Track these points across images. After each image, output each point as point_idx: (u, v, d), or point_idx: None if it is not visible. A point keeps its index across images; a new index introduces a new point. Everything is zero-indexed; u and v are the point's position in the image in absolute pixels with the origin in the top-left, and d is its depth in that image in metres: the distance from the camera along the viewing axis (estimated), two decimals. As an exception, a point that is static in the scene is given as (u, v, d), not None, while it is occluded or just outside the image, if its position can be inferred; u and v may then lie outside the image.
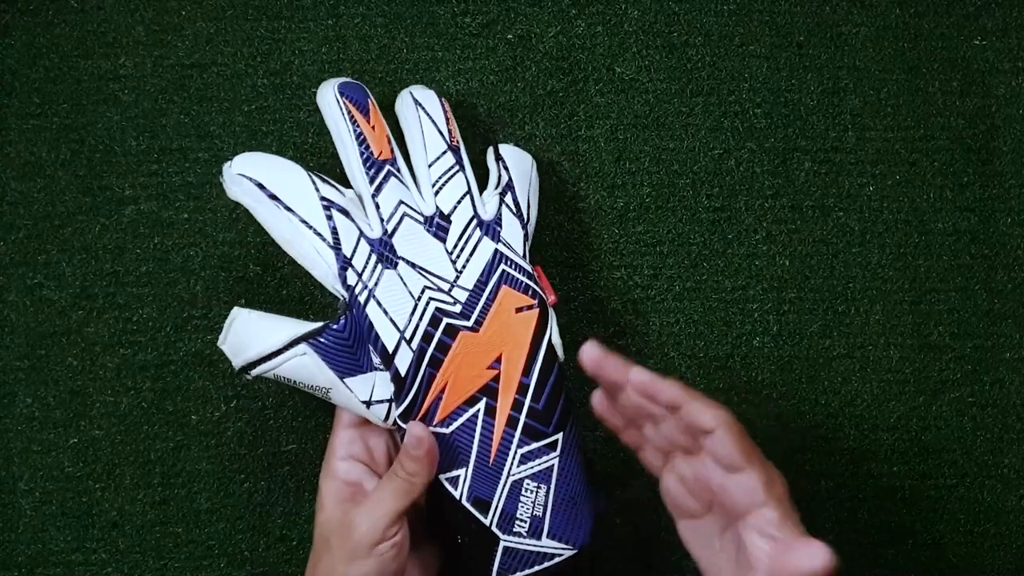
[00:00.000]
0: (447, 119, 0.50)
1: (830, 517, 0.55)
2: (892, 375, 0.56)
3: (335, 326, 0.45)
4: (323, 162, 0.54)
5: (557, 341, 0.48)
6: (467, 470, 0.46)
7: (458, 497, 0.46)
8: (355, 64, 0.55)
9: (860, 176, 0.57)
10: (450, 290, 0.47)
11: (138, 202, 0.54)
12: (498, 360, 0.46)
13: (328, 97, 0.47)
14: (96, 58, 0.55)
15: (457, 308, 0.46)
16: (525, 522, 0.46)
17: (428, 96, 0.50)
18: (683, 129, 0.57)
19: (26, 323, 0.53)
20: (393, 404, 0.45)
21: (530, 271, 0.48)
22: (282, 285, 0.54)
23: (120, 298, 0.54)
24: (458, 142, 0.49)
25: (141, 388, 0.54)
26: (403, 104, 0.50)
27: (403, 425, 0.45)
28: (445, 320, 0.46)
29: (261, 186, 0.45)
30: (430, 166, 0.48)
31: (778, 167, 0.57)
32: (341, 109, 0.47)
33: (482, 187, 0.50)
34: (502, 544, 0.46)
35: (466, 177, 0.49)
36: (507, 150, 0.52)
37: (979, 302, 0.57)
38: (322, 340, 0.44)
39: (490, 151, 0.52)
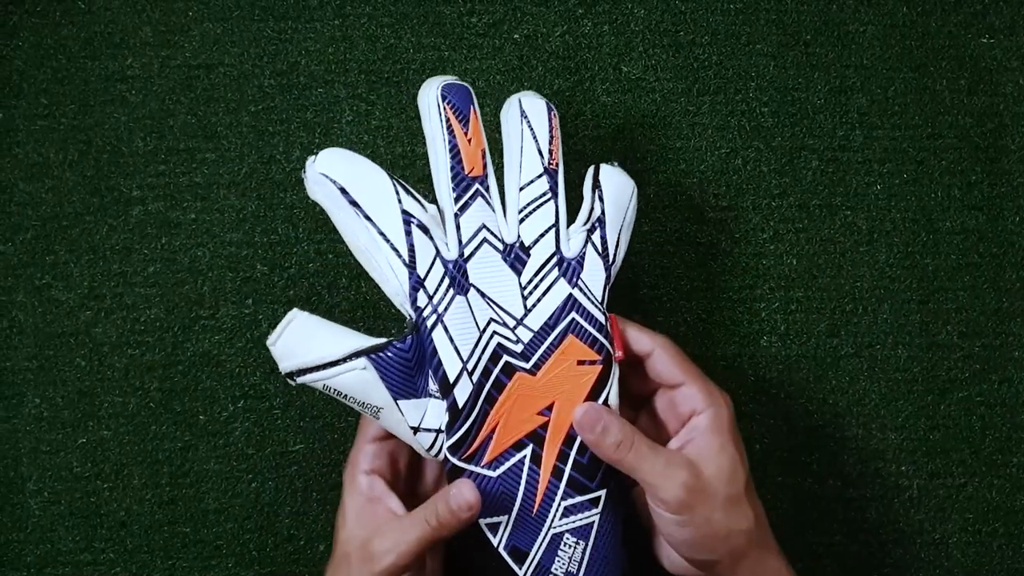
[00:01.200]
0: (551, 136, 0.47)
1: (838, 516, 0.55)
2: (900, 374, 0.56)
3: (400, 345, 0.43)
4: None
5: (615, 401, 0.46)
6: (509, 518, 0.44)
7: (496, 544, 0.44)
8: (362, 64, 0.55)
9: (867, 175, 0.57)
10: (515, 327, 0.45)
11: (145, 203, 0.54)
12: (549, 408, 0.45)
13: (429, 98, 0.45)
14: (103, 59, 0.55)
15: (519, 348, 0.45)
16: None
17: (537, 108, 0.47)
18: (690, 128, 0.56)
19: (34, 323, 0.54)
20: (443, 435, 0.44)
21: (602, 321, 0.46)
22: (289, 285, 0.54)
23: (128, 298, 0.54)
24: (557, 164, 0.47)
25: (149, 388, 0.54)
26: (509, 112, 0.47)
27: (451, 459, 0.44)
28: (505, 358, 0.44)
29: (344, 190, 0.43)
30: (522, 189, 0.46)
31: (785, 166, 0.57)
32: (440, 115, 0.45)
33: (573, 214, 0.47)
34: None
35: (556, 207, 0.46)
36: (609, 174, 0.48)
37: (987, 301, 0.56)
38: (384, 357, 0.43)
39: (589, 175, 0.48)
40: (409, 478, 0.48)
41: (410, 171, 0.55)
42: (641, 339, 0.47)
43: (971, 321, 0.56)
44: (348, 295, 0.54)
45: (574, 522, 0.45)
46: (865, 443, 0.56)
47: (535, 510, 0.44)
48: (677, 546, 0.44)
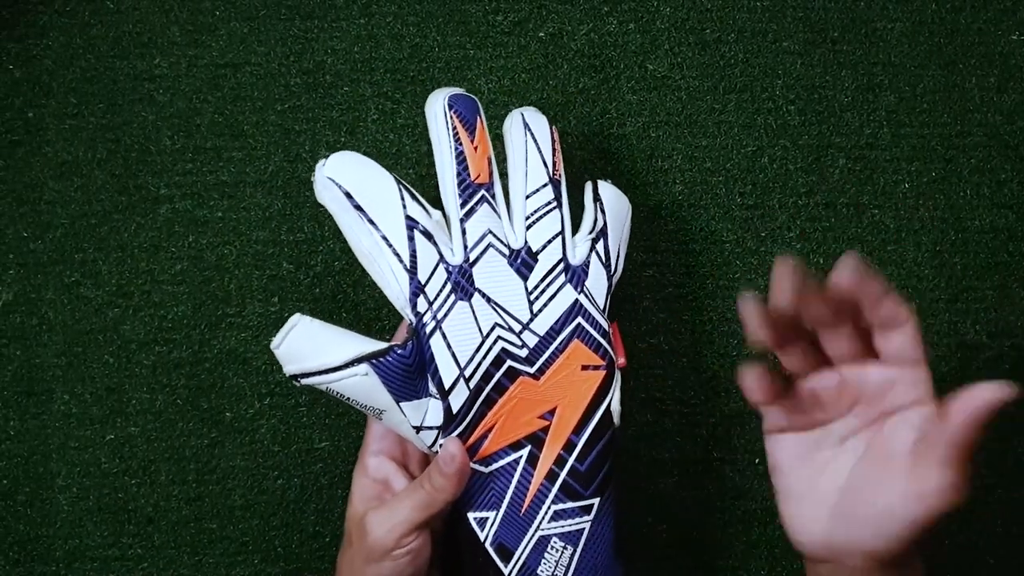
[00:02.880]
0: (554, 149, 0.48)
1: (865, 517, 0.55)
2: (928, 374, 0.55)
3: (401, 351, 0.43)
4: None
5: (616, 408, 0.46)
6: (497, 514, 0.45)
7: (482, 539, 0.45)
8: (387, 63, 0.56)
9: (895, 173, 0.56)
10: (521, 332, 0.45)
11: (173, 201, 0.55)
12: (551, 412, 0.45)
13: (436, 108, 0.46)
14: (132, 58, 0.55)
15: (523, 352, 0.45)
16: None
17: (539, 121, 0.48)
18: (716, 126, 0.56)
19: (63, 321, 0.54)
20: (441, 433, 0.44)
21: (606, 328, 0.47)
22: (315, 283, 0.55)
23: (155, 296, 0.54)
24: (560, 176, 0.47)
25: (176, 385, 0.54)
26: (512, 126, 0.48)
27: None
28: (509, 362, 0.45)
29: (349, 195, 0.44)
30: (528, 197, 0.46)
31: (812, 164, 0.56)
32: (447, 123, 0.45)
33: (576, 225, 0.48)
34: None
35: (562, 215, 0.47)
36: (607, 191, 0.49)
37: (1017, 300, 0.56)
38: (385, 362, 0.43)
39: (588, 188, 0.49)
40: (420, 460, 0.48)
41: (434, 170, 0.55)
42: (901, 307, 0.39)
43: (1000, 320, 0.56)
44: (374, 293, 0.54)
45: (563, 527, 0.45)
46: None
47: (524, 509, 0.45)
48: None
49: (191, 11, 0.56)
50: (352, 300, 0.55)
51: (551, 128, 0.48)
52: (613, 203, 0.49)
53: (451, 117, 0.45)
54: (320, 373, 0.43)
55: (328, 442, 0.54)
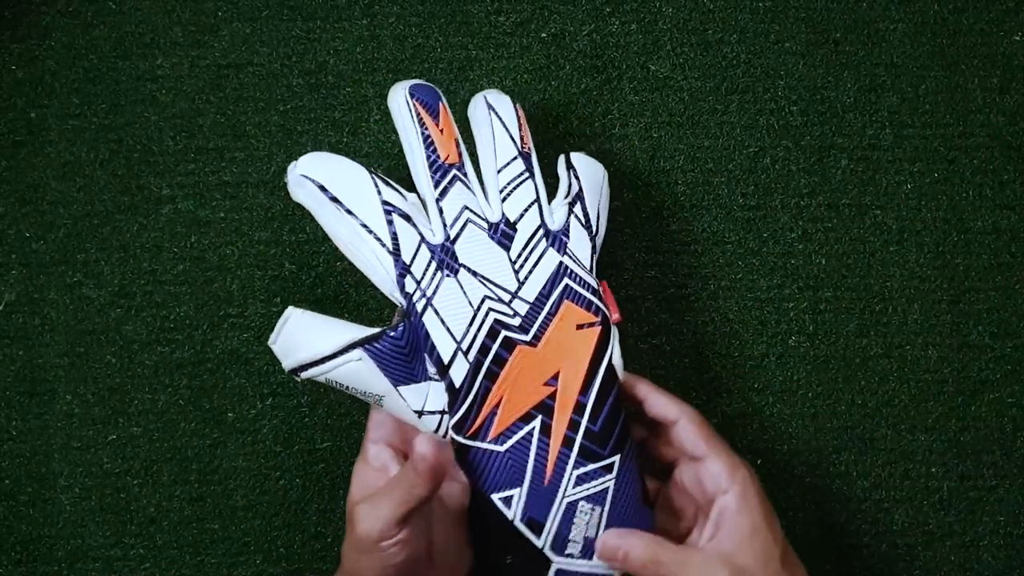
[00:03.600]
0: (520, 125, 0.48)
1: (867, 518, 0.55)
2: (930, 375, 0.55)
3: (393, 333, 0.44)
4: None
5: (618, 362, 0.46)
6: (521, 490, 0.44)
7: (511, 518, 0.44)
8: (389, 63, 0.56)
9: (898, 174, 0.56)
10: (510, 301, 0.45)
11: (175, 201, 0.55)
12: (555, 377, 0.45)
13: (398, 99, 0.47)
14: (134, 59, 0.55)
15: (516, 321, 0.45)
16: (578, 543, 0.45)
17: (502, 100, 0.49)
18: (718, 127, 0.56)
19: (66, 321, 0.54)
20: (446, 416, 0.44)
21: (595, 286, 0.47)
22: (317, 283, 0.55)
23: (158, 296, 0.54)
24: (530, 149, 0.48)
25: (178, 385, 0.54)
26: (476, 108, 0.49)
27: (456, 437, 0.44)
28: (503, 333, 0.45)
29: (323, 188, 0.44)
30: (499, 172, 0.47)
31: (814, 165, 0.56)
32: (410, 110, 0.46)
33: (551, 197, 0.49)
34: (555, 567, 0.45)
35: (535, 184, 0.48)
36: (579, 159, 0.50)
37: (1019, 301, 0.56)
38: (378, 346, 0.44)
39: (561, 159, 0.50)
40: None
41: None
42: (668, 407, 0.47)
43: (1003, 322, 0.56)
44: (376, 293, 0.54)
45: (588, 489, 0.45)
46: (894, 444, 0.55)
47: (547, 480, 0.44)
48: None
49: (193, 12, 0.56)
50: (354, 300, 0.55)
51: (515, 106, 0.49)
52: (587, 169, 0.50)
53: (414, 105, 0.46)
54: (316, 364, 0.43)
55: (330, 442, 0.54)
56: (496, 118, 0.48)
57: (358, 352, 0.43)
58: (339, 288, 0.55)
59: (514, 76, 0.56)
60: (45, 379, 0.54)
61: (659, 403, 0.47)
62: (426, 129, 0.46)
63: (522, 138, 0.48)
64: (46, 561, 0.53)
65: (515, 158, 0.48)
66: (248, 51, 0.56)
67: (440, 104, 0.47)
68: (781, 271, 0.56)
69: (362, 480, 0.46)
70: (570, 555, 0.45)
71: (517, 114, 0.49)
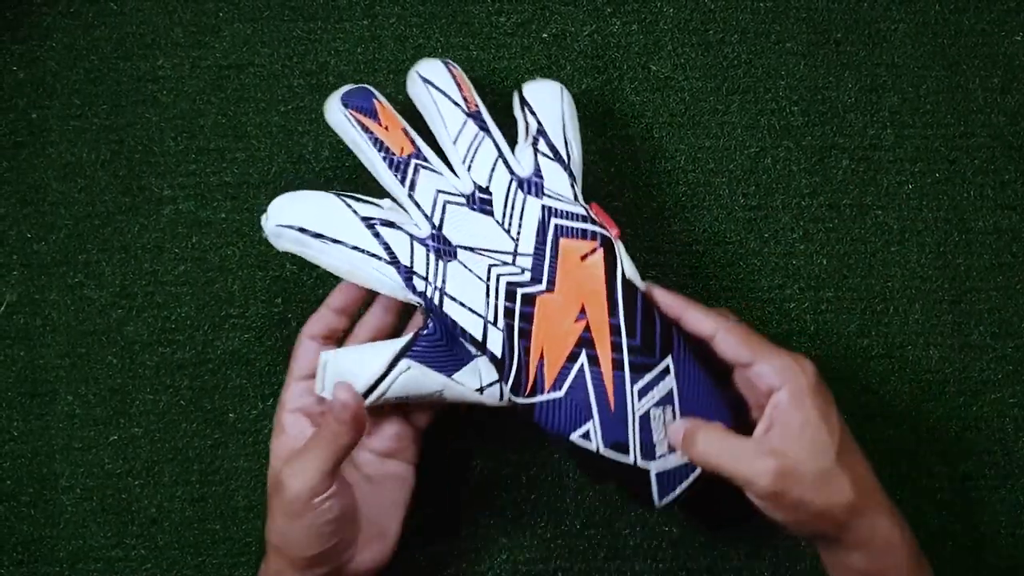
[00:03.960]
0: (460, 86, 0.49)
1: (868, 519, 0.55)
2: (932, 375, 0.55)
3: (425, 332, 0.45)
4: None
5: (632, 272, 0.47)
6: (594, 422, 0.46)
7: (596, 449, 0.46)
8: (390, 64, 0.56)
9: (899, 174, 0.56)
10: (513, 260, 0.46)
11: (176, 202, 0.55)
12: (582, 311, 0.46)
13: (335, 115, 0.48)
14: (135, 60, 0.55)
15: (526, 276, 0.46)
16: (664, 443, 0.46)
17: (435, 69, 0.49)
18: (719, 127, 0.56)
19: (67, 322, 0.54)
20: (503, 383, 0.46)
21: (585, 213, 0.48)
22: (318, 285, 0.55)
23: (159, 297, 0.54)
24: (477, 106, 0.49)
25: (179, 386, 0.54)
26: (413, 85, 0.49)
27: (517, 400, 0.46)
28: (519, 291, 0.46)
29: (302, 229, 0.45)
30: (455, 142, 0.48)
31: (815, 165, 0.56)
32: (350, 121, 0.47)
33: (515, 143, 0.49)
34: (653, 472, 0.46)
35: (493, 140, 0.48)
36: (531, 88, 0.50)
37: (1021, 301, 0.56)
38: (418, 349, 0.45)
39: (515, 97, 0.51)
40: (428, 409, 0.49)
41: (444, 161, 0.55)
42: (702, 323, 0.47)
43: (1004, 322, 0.56)
44: (376, 294, 0.54)
45: (653, 397, 0.46)
46: (896, 445, 0.55)
47: (613, 405, 0.46)
48: (777, 523, 0.44)
49: (194, 12, 0.56)
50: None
51: (449, 68, 0.49)
52: (540, 96, 0.50)
53: (351, 115, 0.47)
54: (372, 389, 0.45)
55: (331, 443, 0.54)
56: (434, 89, 0.48)
57: (405, 362, 0.45)
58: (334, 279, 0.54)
59: (515, 76, 0.56)
60: (46, 380, 0.54)
61: (693, 319, 0.47)
62: (371, 133, 0.47)
63: (465, 99, 0.49)
64: (47, 562, 0.53)
65: (465, 123, 0.48)
66: (249, 52, 0.56)
67: (374, 102, 0.48)
68: (782, 271, 0.56)
69: (282, 450, 0.46)
70: (662, 456, 0.46)
71: (454, 77, 0.49)
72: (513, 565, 0.53)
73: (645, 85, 0.56)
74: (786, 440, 0.43)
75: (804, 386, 0.44)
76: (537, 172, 0.48)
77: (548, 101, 0.50)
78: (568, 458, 0.48)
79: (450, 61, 0.50)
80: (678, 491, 0.46)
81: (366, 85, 0.48)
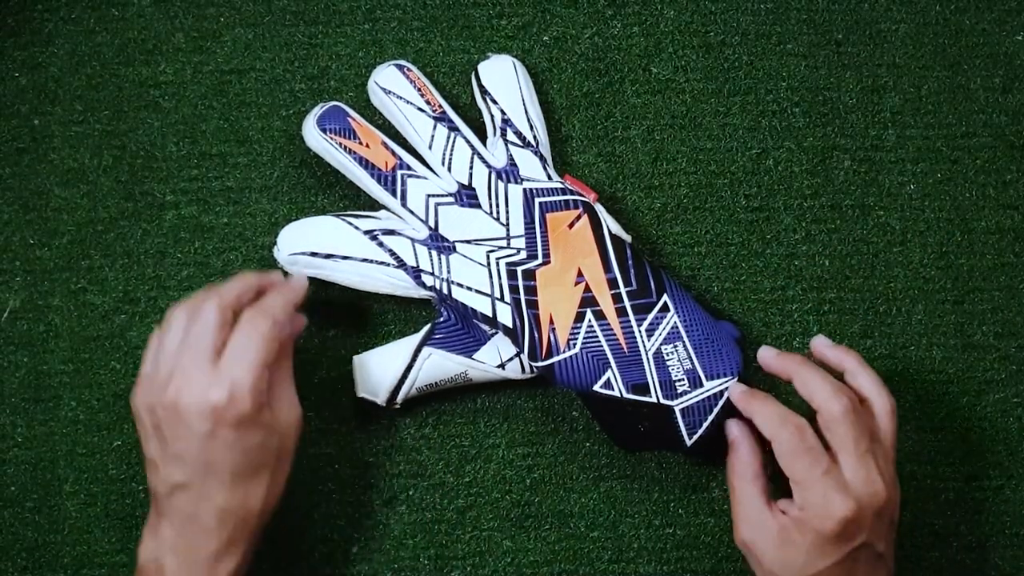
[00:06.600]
0: (420, 90, 0.52)
1: (873, 519, 0.55)
2: (935, 376, 0.55)
3: (440, 320, 0.51)
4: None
5: (616, 228, 0.51)
6: (612, 369, 0.50)
7: (619, 395, 0.49)
8: (391, 68, 0.56)
9: (901, 174, 0.56)
10: (508, 243, 0.50)
11: (179, 207, 0.55)
12: (580, 274, 0.50)
13: (315, 140, 0.51)
14: (137, 65, 0.56)
15: (523, 255, 0.50)
16: (683, 379, 0.50)
17: (392, 77, 0.52)
18: (720, 129, 0.56)
19: (70, 327, 0.54)
20: (521, 355, 0.50)
21: (561, 186, 0.52)
22: (320, 289, 0.54)
23: (162, 302, 0.54)
24: (441, 107, 0.52)
25: (183, 391, 0.54)
26: (375, 96, 0.52)
27: (537, 364, 0.49)
28: (519, 268, 0.50)
29: (314, 253, 0.50)
30: (431, 148, 0.51)
31: (817, 166, 0.56)
32: (330, 144, 0.50)
33: (485, 135, 0.53)
34: (677, 409, 0.50)
35: (465, 138, 0.52)
36: (487, 73, 0.53)
37: (1023, 301, 0.56)
38: (437, 337, 0.51)
39: (474, 85, 0.53)
40: None
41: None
42: (762, 426, 0.48)
43: (1007, 321, 0.56)
44: (377, 295, 0.54)
45: (661, 334, 0.50)
46: (900, 445, 0.54)
47: (626, 349, 0.50)
48: None
49: (196, 18, 0.56)
50: (356, 305, 0.55)
51: (403, 71, 0.52)
52: (497, 81, 0.53)
53: (330, 138, 0.50)
54: (402, 382, 0.50)
55: (332, 448, 0.54)
56: (397, 99, 0.51)
57: (426, 350, 0.50)
58: (341, 292, 0.54)
59: (516, 79, 0.56)
60: (50, 385, 0.54)
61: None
62: (355, 153, 0.50)
63: (429, 103, 0.52)
64: (52, 568, 0.53)
65: (435, 127, 0.51)
66: (250, 56, 0.56)
67: (349, 121, 0.51)
68: (784, 272, 0.56)
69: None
70: (683, 392, 0.50)
71: (413, 82, 0.52)
72: (517, 568, 0.54)
73: (646, 87, 0.56)
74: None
75: (821, 530, 0.45)
76: (511, 161, 0.52)
77: (505, 85, 0.53)
78: (603, 431, 0.51)
79: (404, 64, 0.52)
80: (705, 426, 0.50)
81: (336, 103, 0.51)
